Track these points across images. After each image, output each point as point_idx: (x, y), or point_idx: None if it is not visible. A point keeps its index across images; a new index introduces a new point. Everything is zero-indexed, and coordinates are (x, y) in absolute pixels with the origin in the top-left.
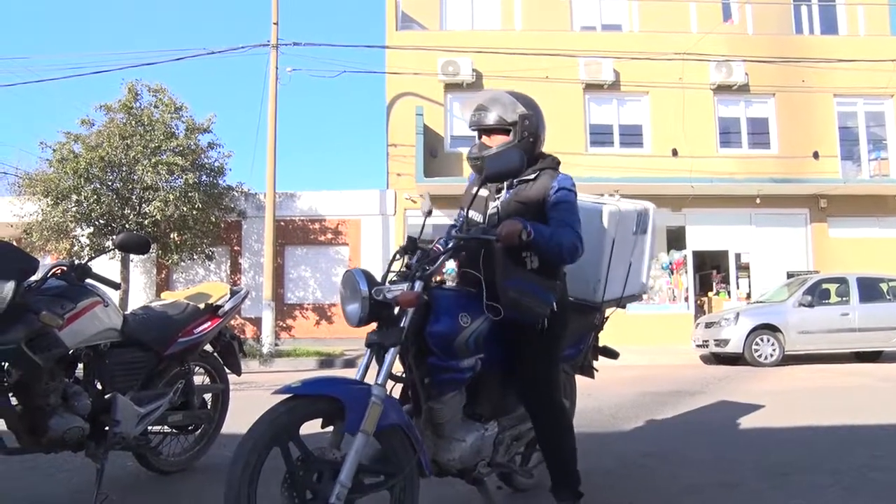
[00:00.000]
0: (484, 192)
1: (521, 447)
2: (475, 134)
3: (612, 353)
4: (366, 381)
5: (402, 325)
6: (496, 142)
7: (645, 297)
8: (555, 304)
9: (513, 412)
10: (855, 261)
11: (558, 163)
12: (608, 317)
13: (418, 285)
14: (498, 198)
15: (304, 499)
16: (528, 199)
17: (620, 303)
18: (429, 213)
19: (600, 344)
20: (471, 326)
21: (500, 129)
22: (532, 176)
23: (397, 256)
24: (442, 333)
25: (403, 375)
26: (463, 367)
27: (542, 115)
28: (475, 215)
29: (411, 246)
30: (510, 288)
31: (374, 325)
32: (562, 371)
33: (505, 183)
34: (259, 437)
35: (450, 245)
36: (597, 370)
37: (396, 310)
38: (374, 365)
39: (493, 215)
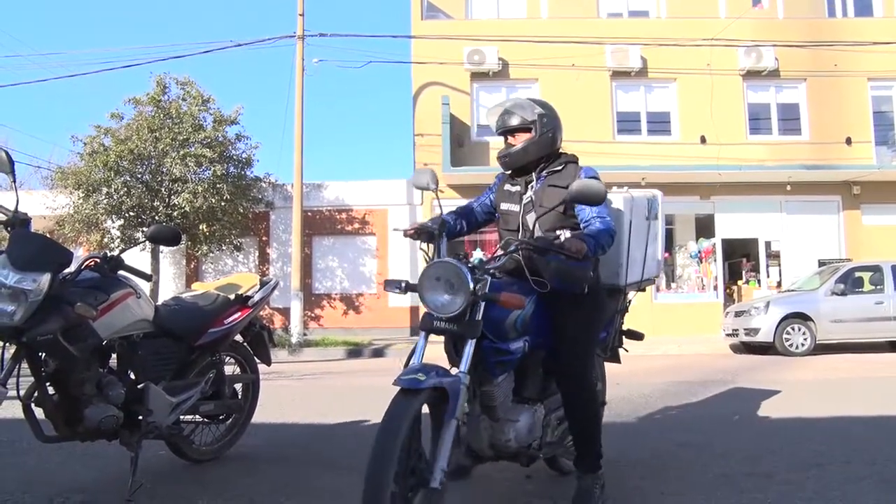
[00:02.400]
0: (514, 188)
1: (566, 428)
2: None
3: (637, 335)
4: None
5: (477, 318)
6: (520, 139)
7: (674, 285)
8: (591, 273)
9: (555, 394)
10: (889, 249)
11: (577, 158)
12: (631, 300)
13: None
14: (530, 185)
15: (406, 484)
16: (558, 185)
17: (640, 286)
18: (428, 188)
19: (625, 328)
20: (522, 298)
21: (523, 128)
22: (559, 167)
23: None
24: (494, 317)
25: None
26: (513, 348)
27: (558, 116)
28: (511, 207)
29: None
30: (553, 260)
31: (421, 308)
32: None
33: (534, 174)
34: (399, 432)
35: (510, 249)
36: (626, 350)
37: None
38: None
39: (527, 203)
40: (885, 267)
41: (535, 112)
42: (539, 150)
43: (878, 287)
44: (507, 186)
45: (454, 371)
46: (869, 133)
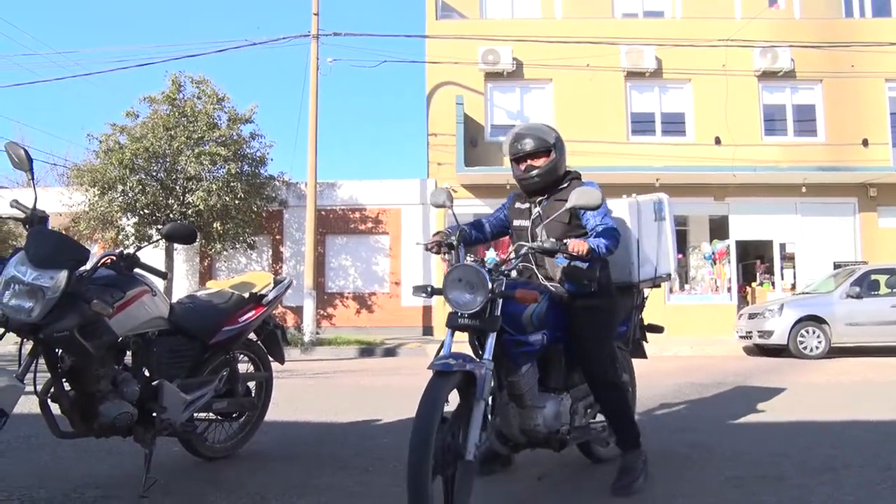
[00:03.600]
0: (524, 206)
1: (595, 415)
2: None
3: (657, 328)
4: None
5: (496, 313)
6: (541, 161)
7: (687, 286)
8: (598, 273)
9: (580, 384)
10: None
11: (580, 175)
12: (647, 296)
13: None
14: (539, 203)
15: (445, 458)
16: (563, 200)
17: (655, 282)
18: (444, 205)
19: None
20: (531, 305)
21: (544, 150)
22: (565, 184)
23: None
24: (511, 312)
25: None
26: (531, 340)
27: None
28: (522, 223)
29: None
30: (561, 263)
31: (435, 308)
32: (617, 347)
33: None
34: (436, 408)
35: (521, 252)
36: (646, 341)
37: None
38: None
39: (535, 218)
40: None
41: (553, 136)
42: (559, 170)
43: (895, 290)
44: (518, 204)
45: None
46: (886, 135)
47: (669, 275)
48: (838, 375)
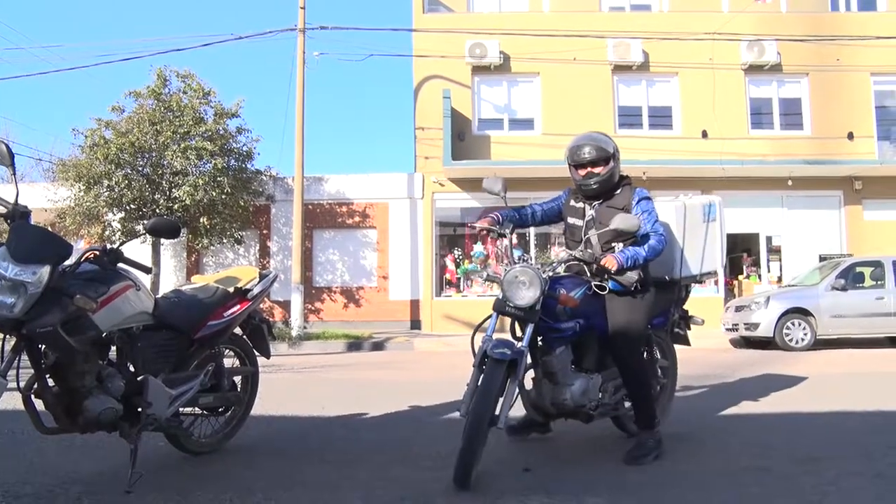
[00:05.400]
0: (578, 205)
1: (624, 394)
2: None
3: (695, 321)
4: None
5: (537, 308)
6: (599, 169)
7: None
8: (640, 274)
9: (612, 367)
10: (891, 244)
11: (631, 180)
12: (689, 291)
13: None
14: (593, 206)
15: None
16: (616, 206)
17: (698, 279)
18: (498, 194)
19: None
20: (575, 298)
21: (604, 159)
22: (618, 190)
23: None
24: (548, 304)
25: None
26: (563, 327)
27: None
28: (576, 222)
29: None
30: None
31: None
32: (655, 336)
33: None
34: (495, 386)
35: (565, 259)
36: (689, 329)
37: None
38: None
39: (590, 221)
40: (886, 262)
41: (612, 146)
42: (615, 177)
43: (879, 282)
44: (573, 202)
45: (518, 344)
46: (871, 128)
47: (715, 272)
48: (824, 367)
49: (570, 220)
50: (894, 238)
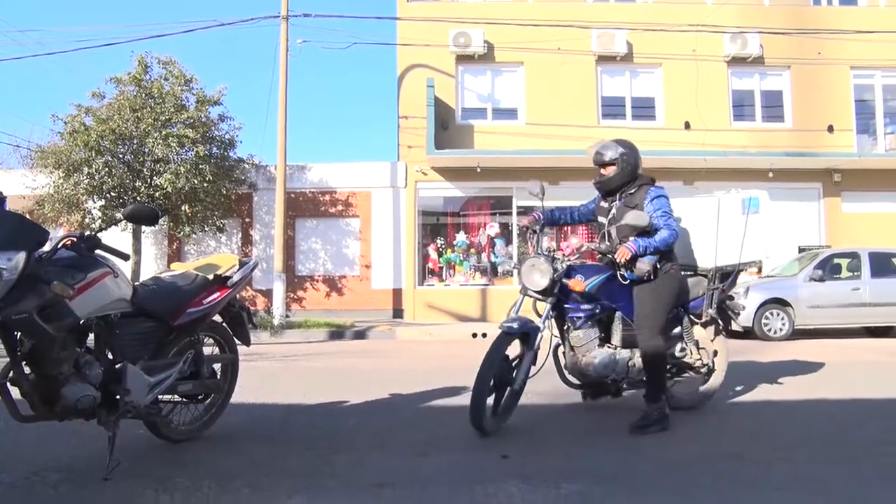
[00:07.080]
0: (605, 205)
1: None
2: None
3: (734, 308)
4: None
5: (554, 291)
6: (609, 171)
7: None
8: (657, 266)
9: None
10: (868, 236)
11: (654, 179)
12: (735, 279)
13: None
14: (615, 204)
15: (501, 389)
16: (633, 203)
17: (739, 267)
18: (538, 196)
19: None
20: (583, 283)
21: (610, 163)
22: (633, 189)
23: (530, 233)
24: (566, 289)
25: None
26: (583, 308)
27: (637, 151)
28: (601, 219)
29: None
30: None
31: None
32: (688, 320)
33: (617, 194)
34: (497, 354)
35: (582, 250)
36: (737, 314)
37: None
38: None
39: (611, 218)
40: (863, 254)
41: (618, 152)
42: (620, 179)
43: (856, 273)
44: (602, 203)
45: (537, 321)
46: (850, 121)
47: (756, 262)
48: (801, 356)
49: (600, 218)
50: (871, 230)
